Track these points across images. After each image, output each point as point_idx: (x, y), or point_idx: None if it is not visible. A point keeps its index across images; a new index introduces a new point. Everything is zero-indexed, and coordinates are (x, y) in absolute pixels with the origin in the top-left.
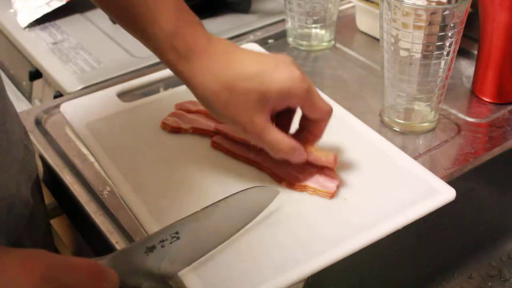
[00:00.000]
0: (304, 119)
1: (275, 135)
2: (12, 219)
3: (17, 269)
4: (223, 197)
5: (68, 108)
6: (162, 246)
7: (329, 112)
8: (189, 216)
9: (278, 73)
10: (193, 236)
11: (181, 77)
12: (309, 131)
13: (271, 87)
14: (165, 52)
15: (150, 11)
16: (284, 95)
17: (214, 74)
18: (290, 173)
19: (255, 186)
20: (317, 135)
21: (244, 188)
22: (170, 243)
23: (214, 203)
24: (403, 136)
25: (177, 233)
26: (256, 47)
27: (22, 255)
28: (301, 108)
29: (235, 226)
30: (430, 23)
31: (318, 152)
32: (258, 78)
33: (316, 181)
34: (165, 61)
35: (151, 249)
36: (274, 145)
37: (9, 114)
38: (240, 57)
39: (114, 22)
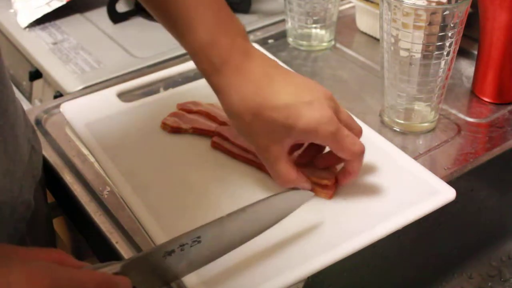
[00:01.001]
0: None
1: (283, 169)
2: (14, 222)
3: (23, 284)
4: (222, 197)
5: (68, 108)
6: (182, 250)
7: (358, 153)
8: (214, 221)
9: (308, 111)
10: (215, 240)
11: (212, 88)
12: (346, 173)
13: (296, 123)
14: (201, 61)
15: (189, 17)
16: (308, 134)
17: (243, 96)
18: None
19: (287, 191)
20: (351, 173)
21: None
22: (191, 246)
23: (241, 208)
24: (403, 136)
25: (199, 237)
26: (256, 47)
27: (28, 269)
28: (333, 149)
29: (261, 229)
30: (430, 23)
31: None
32: (286, 111)
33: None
34: (200, 70)
35: (170, 253)
36: (278, 175)
37: (18, 116)
38: (274, 85)
39: (114, 22)
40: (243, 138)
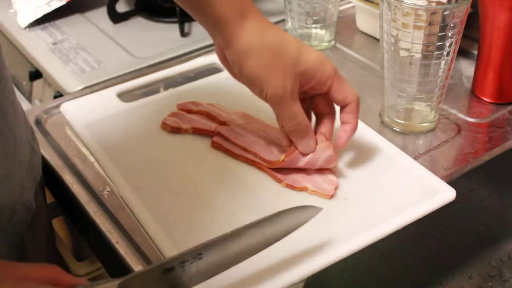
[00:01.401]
0: (325, 108)
1: (297, 108)
2: (14, 224)
3: None
4: (222, 197)
5: (68, 108)
6: (182, 267)
7: (356, 94)
8: (217, 238)
9: (312, 50)
10: (217, 256)
11: (227, 34)
12: (344, 123)
13: (307, 57)
14: (221, 4)
15: None
16: (316, 68)
17: (262, 34)
18: (289, 174)
19: (295, 208)
20: (353, 123)
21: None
22: (191, 263)
23: (246, 225)
24: (403, 136)
25: (200, 254)
26: None
27: None
28: (330, 90)
29: (265, 245)
30: (430, 23)
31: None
32: (298, 48)
33: (315, 184)
34: (216, 14)
35: (170, 270)
36: (292, 116)
37: (18, 117)
38: (283, 31)
39: (114, 22)
40: (252, 84)
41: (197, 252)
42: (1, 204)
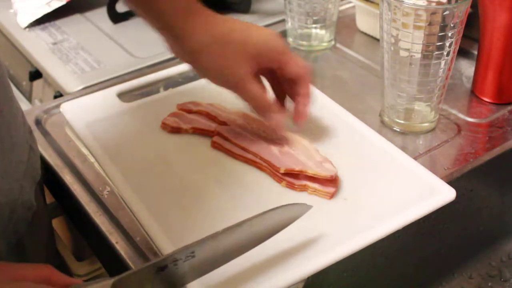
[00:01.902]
0: (290, 89)
1: (255, 88)
2: (14, 223)
3: None
4: (222, 197)
5: (68, 108)
6: (175, 265)
7: (307, 67)
8: (208, 236)
9: (260, 29)
10: (210, 254)
11: (176, 32)
12: (298, 96)
13: (256, 39)
14: (166, 3)
15: None
16: (267, 46)
17: (209, 28)
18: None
19: (285, 205)
20: (306, 97)
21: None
22: (184, 261)
23: (237, 223)
24: (403, 136)
25: (193, 252)
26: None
27: None
28: (281, 65)
29: (256, 242)
30: (430, 23)
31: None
32: (245, 31)
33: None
34: (162, 14)
35: (163, 268)
36: (251, 97)
37: (16, 117)
38: (229, 19)
39: (114, 22)
40: (209, 77)
41: (189, 251)
42: (0, 203)
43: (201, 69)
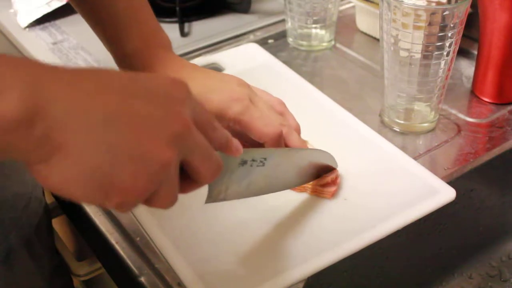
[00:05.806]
0: None
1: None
2: (27, 215)
3: (167, 84)
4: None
5: None
6: (251, 166)
7: (270, 135)
8: (279, 149)
9: (217, 95)
10: (272, 171)
11: (135, 69)
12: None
13: (217, 103)
14: (124, 68)
15: (118, 28)
16: (226, 114)
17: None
18: None
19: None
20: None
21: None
22: (257, 166)
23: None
24: (403, 136)
25: (265, 159)
26: (256, 47)
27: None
28: (243, 130)
29: (299, 180)
30: (430, 24)
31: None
32: (204, 95)
33: (316, 182)
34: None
35: (243, 163)
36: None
37: None
38: (189, 82)
39: None
40: None
41: (263, 156)
42: (18, 194)
43: None
